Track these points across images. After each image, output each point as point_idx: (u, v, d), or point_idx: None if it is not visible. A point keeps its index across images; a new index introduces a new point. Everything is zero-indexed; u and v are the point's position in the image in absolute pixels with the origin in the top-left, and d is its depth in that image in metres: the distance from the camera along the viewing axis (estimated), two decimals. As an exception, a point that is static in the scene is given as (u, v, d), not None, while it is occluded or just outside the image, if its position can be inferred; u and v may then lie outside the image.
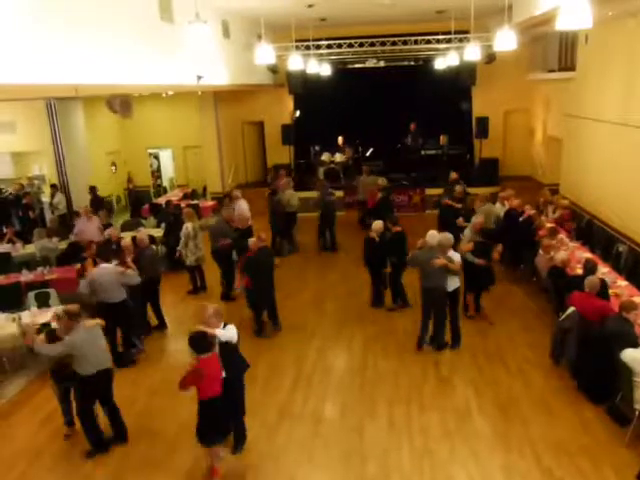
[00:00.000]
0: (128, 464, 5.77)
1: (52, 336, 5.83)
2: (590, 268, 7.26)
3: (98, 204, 13.88)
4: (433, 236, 7.59)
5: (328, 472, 5.57)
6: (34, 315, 7.82)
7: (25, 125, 15.58)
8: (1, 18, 5.18)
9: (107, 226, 11.83)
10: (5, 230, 13.07)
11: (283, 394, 6.93)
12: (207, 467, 5.49)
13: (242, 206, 11.61)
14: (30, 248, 11.32)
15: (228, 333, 5.46)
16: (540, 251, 8.71)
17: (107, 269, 7.56)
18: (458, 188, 11.54)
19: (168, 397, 6.91)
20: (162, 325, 9.05)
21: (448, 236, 7.63)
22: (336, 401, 6.77)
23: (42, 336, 5.97)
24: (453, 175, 12.90)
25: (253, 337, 8.36)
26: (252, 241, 8.43)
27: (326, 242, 12.85)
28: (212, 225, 10.77)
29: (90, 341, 5.72)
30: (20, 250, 11.24)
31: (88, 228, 11.17)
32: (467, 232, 8.96)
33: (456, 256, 7.65)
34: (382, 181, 12.93)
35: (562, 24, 5.57)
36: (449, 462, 5.58)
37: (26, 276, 9.55)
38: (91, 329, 5.85)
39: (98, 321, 6.04)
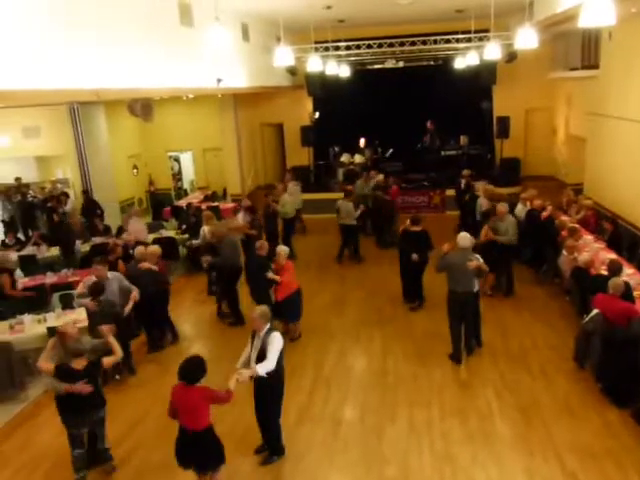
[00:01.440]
0: (148, 467, 5.81)
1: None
2: (615, 269, 7.12)
3: (90, 208, 14.10)
4: (465, 238, 7.38)
5: (348, 474, 5.55)
6: (59, 316, 7.95)
7: (49, 130, 15.86)
8: (25, 26, 5.28)
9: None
10: (31, 233, 13.36)
11: (303, 396, 6.92)
12: None
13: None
14: (54, 250, 11.52)
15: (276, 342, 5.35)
16: (563, 252, 8.58)
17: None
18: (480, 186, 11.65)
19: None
20: (158, 344, 8.52)
21: (470, 237, 7.58)
22: (356, 403, 6.75)
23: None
24: (465, 172, 13.21)
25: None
26: None
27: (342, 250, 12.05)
28: (231, 240, 9.24)
29: None
30: (45, 252, 11.44)
31: (140, 228, 11.35)
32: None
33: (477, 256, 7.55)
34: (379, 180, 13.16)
35: (585, 21, 5.47)
36: (470, 466, 5.52)
37: (51, 278, 9.72)
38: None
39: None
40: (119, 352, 5.72)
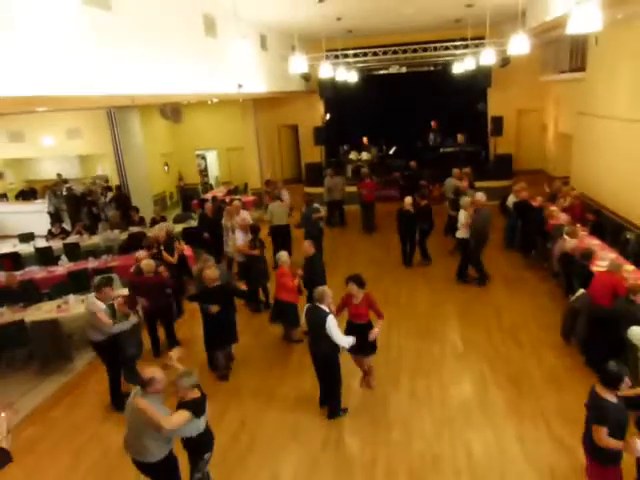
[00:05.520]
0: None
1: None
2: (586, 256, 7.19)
3: (121, 201, 14.20)
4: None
5: (357, 436, 5.61)
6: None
7: (90, 131, 15.98)
8: (72, 43, 5.32)
9: (162, 219, 12.09)
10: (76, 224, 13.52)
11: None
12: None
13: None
14: (95, 239, 11.65)
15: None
16: (565, 236, 8.30)
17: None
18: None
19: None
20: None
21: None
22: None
23: None
24: (412, 163, 14.38)
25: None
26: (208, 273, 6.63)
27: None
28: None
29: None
30: (87, 241, 11.59)
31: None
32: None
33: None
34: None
35: (573, 28, 5.36)
36: (467, 430, 5.54)
37: (92, 263, 9.84)
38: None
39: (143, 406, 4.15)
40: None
